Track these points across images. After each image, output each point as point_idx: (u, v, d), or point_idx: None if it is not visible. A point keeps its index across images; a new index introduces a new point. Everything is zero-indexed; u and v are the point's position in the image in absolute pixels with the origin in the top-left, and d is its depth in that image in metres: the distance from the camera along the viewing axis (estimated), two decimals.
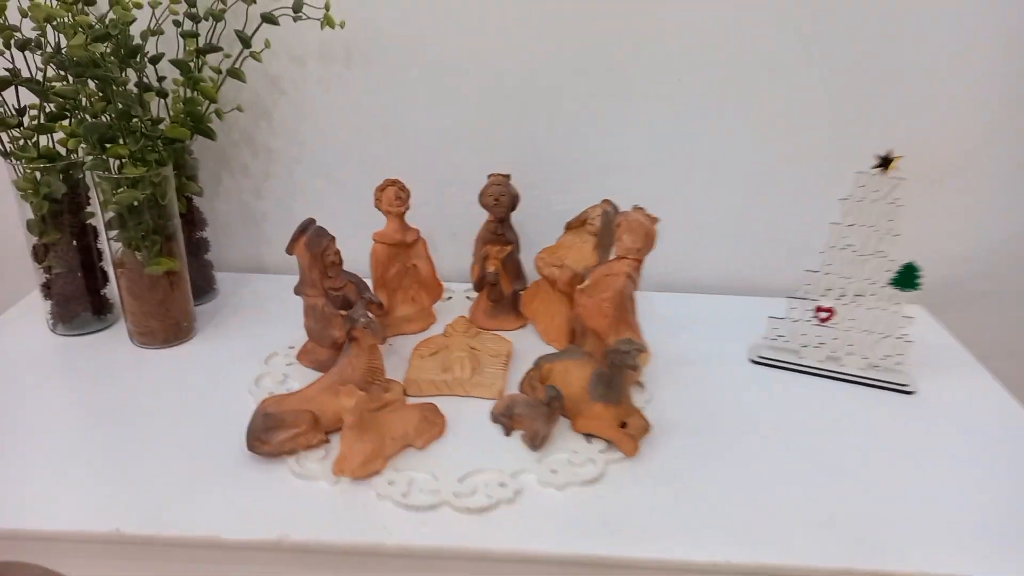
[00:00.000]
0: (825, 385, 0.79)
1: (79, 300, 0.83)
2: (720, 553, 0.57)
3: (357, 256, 0.82)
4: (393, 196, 0.83)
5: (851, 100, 0.90)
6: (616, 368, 0.66)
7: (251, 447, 0.64)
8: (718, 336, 0.87)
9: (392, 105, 0.93)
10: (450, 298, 0.94)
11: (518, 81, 0.91)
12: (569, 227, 0.85)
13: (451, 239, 0.97)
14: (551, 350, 0.81)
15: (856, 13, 0.86)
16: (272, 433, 0.64)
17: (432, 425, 0.68)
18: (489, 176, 0.84)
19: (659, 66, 0.89)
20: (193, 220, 0.90)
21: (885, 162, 0.72)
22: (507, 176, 0.85)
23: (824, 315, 0.79)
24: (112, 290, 0.86)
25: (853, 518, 0.61)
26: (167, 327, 0.81)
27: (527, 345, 0.83)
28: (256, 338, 0.83)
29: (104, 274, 0.86)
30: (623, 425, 0.68)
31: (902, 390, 0.78)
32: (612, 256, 0.76)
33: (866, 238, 0.75)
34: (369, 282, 0.82)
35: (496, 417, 0.70)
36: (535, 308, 0.86)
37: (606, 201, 0.82)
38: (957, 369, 0.84)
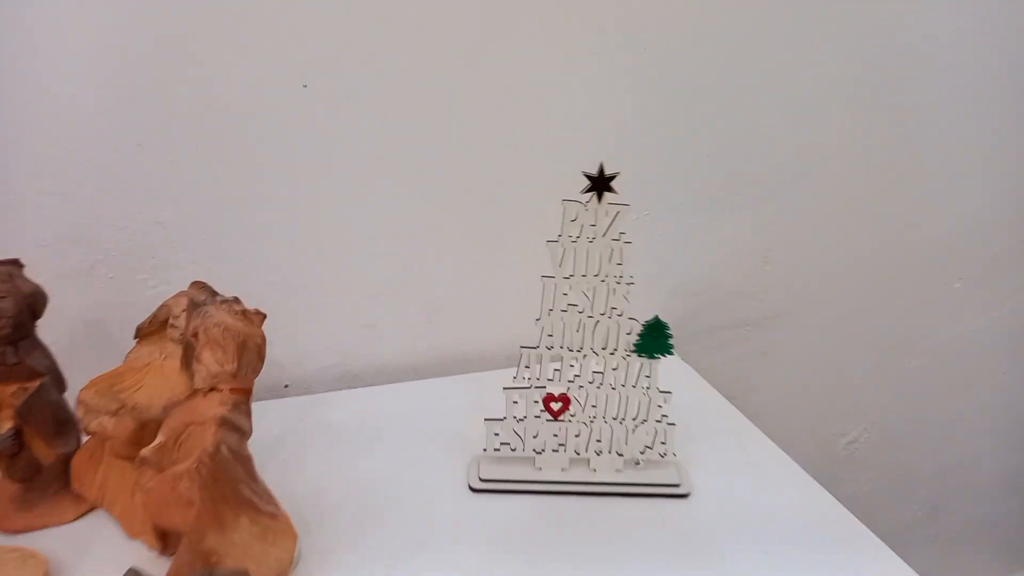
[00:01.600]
0: (572, 506, 0.55)
1: None
2: None
3: None
4: None
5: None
6: None
7: None
8: (430, 444, 0.60)
9: None
10: None
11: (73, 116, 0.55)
12: (142, 334, 0.51)
13: None
14: (140, 547, 0.47)
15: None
16: None
17: None
18: None
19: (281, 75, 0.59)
20: None
21: (600, 183, 0.48)
22: (15, 262, 0.48)
23: (557, 406, 0.55)
24: None
25: None
26: None
27: (92, 548, 0.48)
28: None
29: None
30: None
31: (673, 494, 0.56)
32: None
33: (592, 292, 0.52)
34: None
35: None
36: (100, 480, 0.50)
37: (196, 285, 0.49)
38: (728, 434, 0.64)
